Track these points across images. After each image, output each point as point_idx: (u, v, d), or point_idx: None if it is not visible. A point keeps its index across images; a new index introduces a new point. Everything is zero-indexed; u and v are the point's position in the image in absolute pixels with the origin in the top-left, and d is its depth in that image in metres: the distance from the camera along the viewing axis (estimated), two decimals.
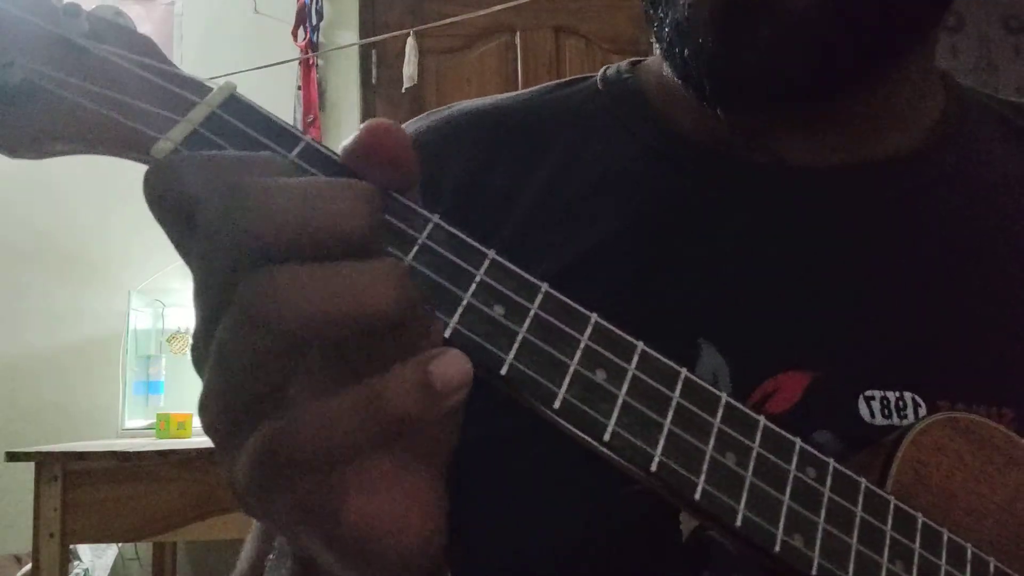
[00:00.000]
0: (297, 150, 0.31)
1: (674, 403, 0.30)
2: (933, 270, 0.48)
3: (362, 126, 0.30)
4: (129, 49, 0.32)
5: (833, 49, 0.44)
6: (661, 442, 0.30)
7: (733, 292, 0.46)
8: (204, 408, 0.28)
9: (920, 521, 0.34)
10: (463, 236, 0.30)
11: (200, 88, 0.32)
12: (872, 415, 0.43)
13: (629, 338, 0.31)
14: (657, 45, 0.50)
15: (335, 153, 0.31)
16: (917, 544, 0.34)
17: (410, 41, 2.83)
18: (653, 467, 0.29)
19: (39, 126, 0.31)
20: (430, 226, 0.30)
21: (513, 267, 0.30)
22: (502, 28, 3.03)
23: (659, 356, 0.31)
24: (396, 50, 2.87)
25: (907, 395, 0.44)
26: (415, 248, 0.29)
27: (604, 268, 0.47)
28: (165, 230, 0.29)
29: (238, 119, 0.31)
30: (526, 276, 0.31)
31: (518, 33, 3.08)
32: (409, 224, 0.30)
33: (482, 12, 2.67)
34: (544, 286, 0.31)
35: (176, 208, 0.28)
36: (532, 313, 0.30)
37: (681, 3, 0.45)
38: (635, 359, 0.31)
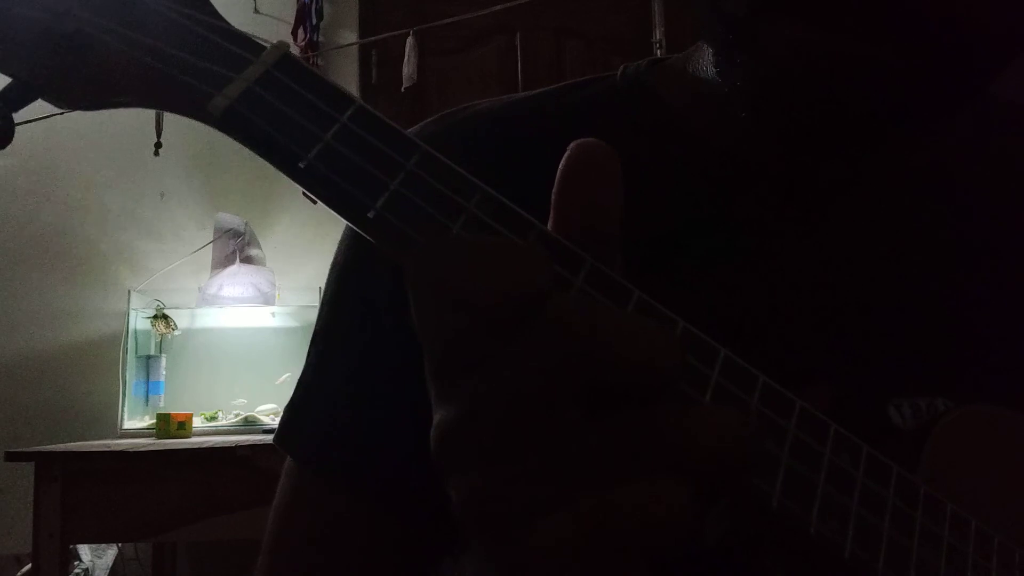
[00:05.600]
0: (349, 113, 0.31)
1: (713, 381, 0.30)
2: (958, 276, 0.47)
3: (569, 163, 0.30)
4: (182, 3, 0.32)
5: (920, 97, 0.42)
6: None
7: (757, 301, 0.46)
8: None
9: (949, 508, 0.34)
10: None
11: (252, 46, 0.32)
12: (904, 421, 0.43)
13: (667, 312, 0.31)
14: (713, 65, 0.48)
15: (387, 119, 0.31)
16: (946, 531, 0.33)
17: (410, 41, 2.83)
18: None
19: (94, 77, 0.32)
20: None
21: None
22: (502, 28, 3.03)
23: (697, 331, 0.31)
24: (396, 50, 2.87)
25: (939, 400, 0.43)
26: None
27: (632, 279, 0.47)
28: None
29: (292, 79, 0.31)
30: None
31: (518, 34, 3.08)
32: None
33: (482, 12, 2.67)
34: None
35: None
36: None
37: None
38: (678, 331, 0.31)
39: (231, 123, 0.31)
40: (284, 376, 2.60)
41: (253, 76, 0.31)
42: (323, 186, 0.30)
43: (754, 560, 0.33)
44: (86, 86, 0.32)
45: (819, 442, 0.31)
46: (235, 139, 0.31)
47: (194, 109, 0.31)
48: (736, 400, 0.30)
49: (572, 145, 0.30)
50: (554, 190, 0.30)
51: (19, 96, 0.32)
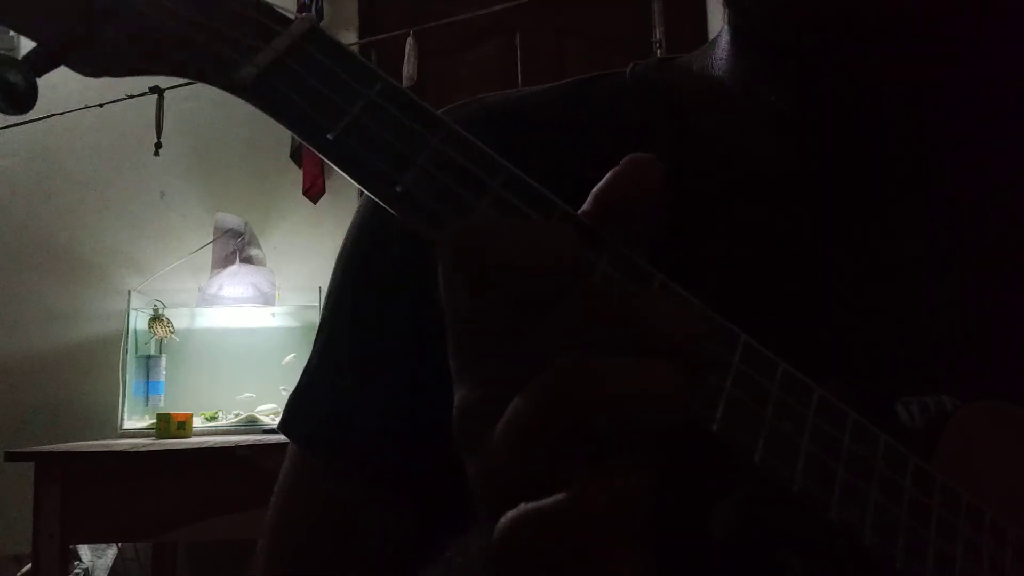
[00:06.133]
0: (377, 87, 0.31)
1: (734, 368, 0.30)
2: (965, 274, 0.47)
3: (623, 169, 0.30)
4: None
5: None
6: (721, 406, 0.29)
7: (763, 298, 0.46)
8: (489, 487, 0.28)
9: (964, 499, 0.34)
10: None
11: (280, 17, 0.32)
12: (912, 419, 0.43)
13: (692, 299, 0.31)
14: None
15: (412, 95, 0.31)
16: (962, 521, 0.33)
17: (410, 41, 2.83)
18: (714, 428, 0.29)
19: (120, 43, 0.32)
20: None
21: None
22: (502, 28, 3.03)
23: (717, 317, 0.31)
24: (396, 50, 2.87)
25: (946, 399, 0.43)
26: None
27: None
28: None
29: (320, 52, 0.31)
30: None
31: (518, 33, 3.08)
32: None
33: (482, 12, 2.67)
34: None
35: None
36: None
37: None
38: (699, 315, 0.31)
39: (259, 93, 0.31)
40: (289, 357, 2.60)
41: (282, 47, 0.31)
42: (351, 159, 0.30)
43: (770, 547, 0.34)
44: (112, 52, 0.32)
45: (838, 429, 0.31)
46: (262, 110, 0.31)
47: (222, 78, 0.31)
48: (757, 386, 0.30)
49: (629, 157, 0.30)
50: (600, 184, 0.31)
51: (44, 61, 0.32)
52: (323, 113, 0.30)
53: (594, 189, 0.31)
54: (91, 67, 0.32)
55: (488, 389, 0.28)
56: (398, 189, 0.30)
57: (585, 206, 0.31)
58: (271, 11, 0.32)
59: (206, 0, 0.32)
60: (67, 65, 0.32)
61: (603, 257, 0.30)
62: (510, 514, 0.26)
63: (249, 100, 0.31)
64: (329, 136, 0.30)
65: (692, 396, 0.28)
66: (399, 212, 0.30)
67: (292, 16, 0.32)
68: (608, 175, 0.30)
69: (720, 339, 0.30)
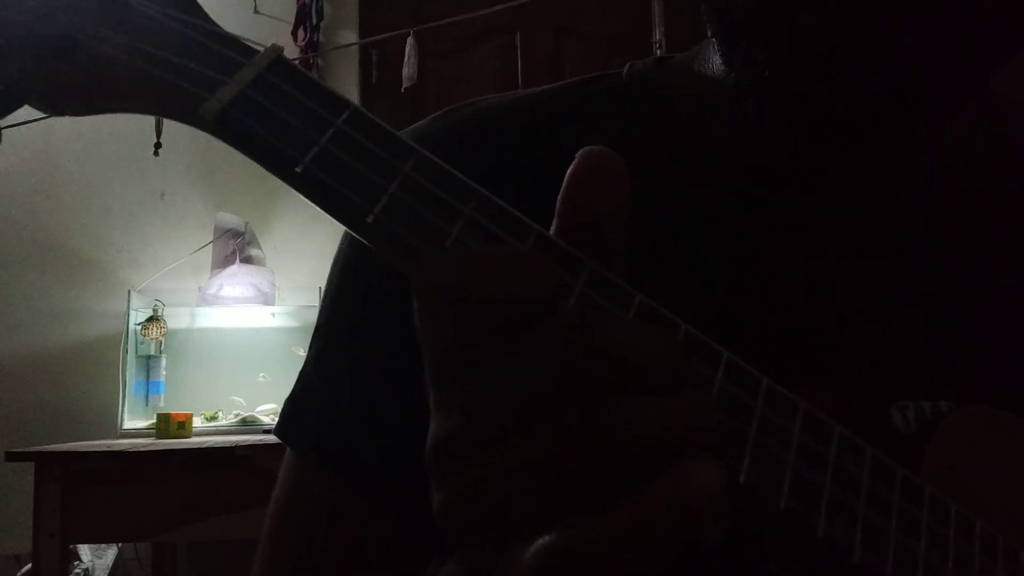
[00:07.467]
0: (344, 116, 0.31)
1: (716, 385, 0.30)
2: (963, 278, 0.47)
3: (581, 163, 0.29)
4: (172, 6, 0.32)
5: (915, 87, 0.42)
6: None
7: (760, 302, 0.46)
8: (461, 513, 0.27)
9: (954, 509, 0.34)
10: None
11: (244, 49, 0.32)
12: (907, 423, 0.43)
13: (669, 315, 0.30)
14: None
15: (381, 122, 0.31)
16: (952, 532, 0.33)
17: (410, 41, 2.83)
18: None
19: (81, 83, 0.31)
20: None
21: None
22: (502, 28, 3.03)
23: (700, 335, 0.30)
24: (396, 50, 2.87)
25: (943, 404, 0.43)
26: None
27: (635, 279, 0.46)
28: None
29: (285, 82, 0.31)
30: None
31: (518, 33, 3.08)
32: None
33: (482, 12, 2.67)
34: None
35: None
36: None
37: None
38: (680, 335, 0.30)
39: (225, 127, 0.30)
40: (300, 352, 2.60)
41: (246, 79, 0.31)
42: (321, 191, 0.30)
43: (760, 563, 0.33)
44: (73, 92, 0.31)
45: (824, 444, 0.31)
46: (229, 144, 0.31)
47: (187, 114, 0.31)
48: (740, 403, 0.30)
49: (580, 152, 0.30)
50: (559, 196, 0.30)
51: (4, 101, 0.31)
52: (291, 145, 0.30)
53: (558, 198, 0.30)
54: (52, 107, 0.32)
55: (469, 418, 0.27)
56: (369, 220, 0.29)
57: (555, 223, 0.30)
58: (236, 43, 0.32)
59: (168, 36, 0.31)
60: (29, 104, 0.32)
61: (581, 277, 0.29)
62: (543, 544, 0.26)
63: (215, 135, 0.31)
64: (297, 169, 0.30)
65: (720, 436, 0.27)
66: (372, 243, 0.30)
67: (258, 48, 0.32)
68: (567, 177, 0.30)
69: (702, 357, 0.30)
